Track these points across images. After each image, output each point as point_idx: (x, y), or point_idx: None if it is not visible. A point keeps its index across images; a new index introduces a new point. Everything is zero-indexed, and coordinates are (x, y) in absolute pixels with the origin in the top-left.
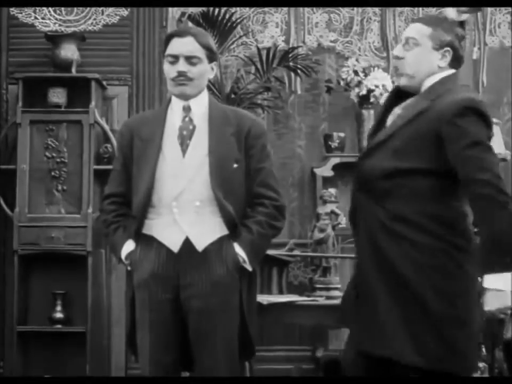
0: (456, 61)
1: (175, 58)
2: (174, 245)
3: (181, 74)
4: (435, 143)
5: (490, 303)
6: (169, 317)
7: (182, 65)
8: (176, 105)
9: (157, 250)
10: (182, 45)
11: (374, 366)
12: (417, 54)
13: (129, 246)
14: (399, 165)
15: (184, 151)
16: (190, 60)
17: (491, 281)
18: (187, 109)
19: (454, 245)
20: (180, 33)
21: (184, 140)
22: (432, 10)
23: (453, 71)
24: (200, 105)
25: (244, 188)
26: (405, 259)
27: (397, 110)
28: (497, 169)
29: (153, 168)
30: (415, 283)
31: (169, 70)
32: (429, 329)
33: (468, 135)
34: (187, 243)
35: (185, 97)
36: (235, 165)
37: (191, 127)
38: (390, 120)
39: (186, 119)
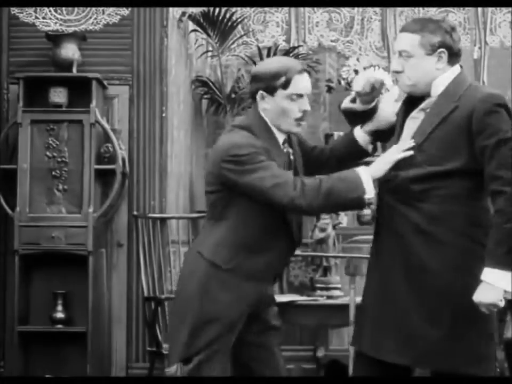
0: (454, 57)
1: (300, 97)
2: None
3: (305, 114)
4: (468, 143)
5: (483, 296)
6: None
7: (307, 104)
8: (279, 137)
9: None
10: (306, 83)
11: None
12: (414, 65)
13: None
14: (435, 168)
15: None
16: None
17: (487, 274)
18: (286, 141)
19: (482, 245)
20: (301, 71)
21: (290, 167)
22: (432, 10)
23: (458, 68)
24: None
25: None
26: (439, 261)
27: (415, 114)
28: None
29: None
30: (448, 286)
31: (293, 108)
32: (459, 334)
33: (499, 132)
34: None
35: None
36: None
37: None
38: (408, 125)
39: (286, 146)
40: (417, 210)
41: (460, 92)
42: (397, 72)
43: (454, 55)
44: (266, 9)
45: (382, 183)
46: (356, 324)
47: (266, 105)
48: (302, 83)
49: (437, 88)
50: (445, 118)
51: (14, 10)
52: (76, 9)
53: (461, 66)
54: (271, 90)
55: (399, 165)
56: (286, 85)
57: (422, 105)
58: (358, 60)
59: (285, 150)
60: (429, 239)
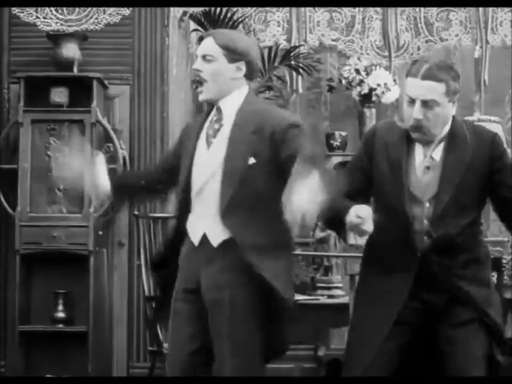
0: None
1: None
2: (195, 238)
3: (194, 72)
4: (486, 185)
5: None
6: (193, 307)
7: (197, 64)
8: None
9: (187, 243)
10: (201, 45)
11: None
12: (438, 114)
13: None
14: (468, 219)
15: (208, 148)
16: (204, 58)
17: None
18: (219, 110)
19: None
20: (202, 36)
21: (209, 138)
22: (433, 10)
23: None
24: (232, 104)
25: (268, 188)
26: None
27: (428, 163)
28: None
29: (190, 162)
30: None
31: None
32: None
33: (507, 155)
34: (205, 238)
35: (204, 101)
36: (251, 161)
37: (217, 126)
38: (425, 176)
39: (215, 118)
40: (458, 259)
41: (464, 132)
42: (419, 121)
43: None
44: (267, 8)
45: (430, 246)
46: None
47: None
48: (200, 47)
49: (443, 132)
50: (469, 166)
51: (15, 10)
52: (76, 9)
53: None
54: None
55: (441, 224)
56: None
57: (433, 152)
58: (359, 59)
59: (208, 118)
60: (473, 279)
